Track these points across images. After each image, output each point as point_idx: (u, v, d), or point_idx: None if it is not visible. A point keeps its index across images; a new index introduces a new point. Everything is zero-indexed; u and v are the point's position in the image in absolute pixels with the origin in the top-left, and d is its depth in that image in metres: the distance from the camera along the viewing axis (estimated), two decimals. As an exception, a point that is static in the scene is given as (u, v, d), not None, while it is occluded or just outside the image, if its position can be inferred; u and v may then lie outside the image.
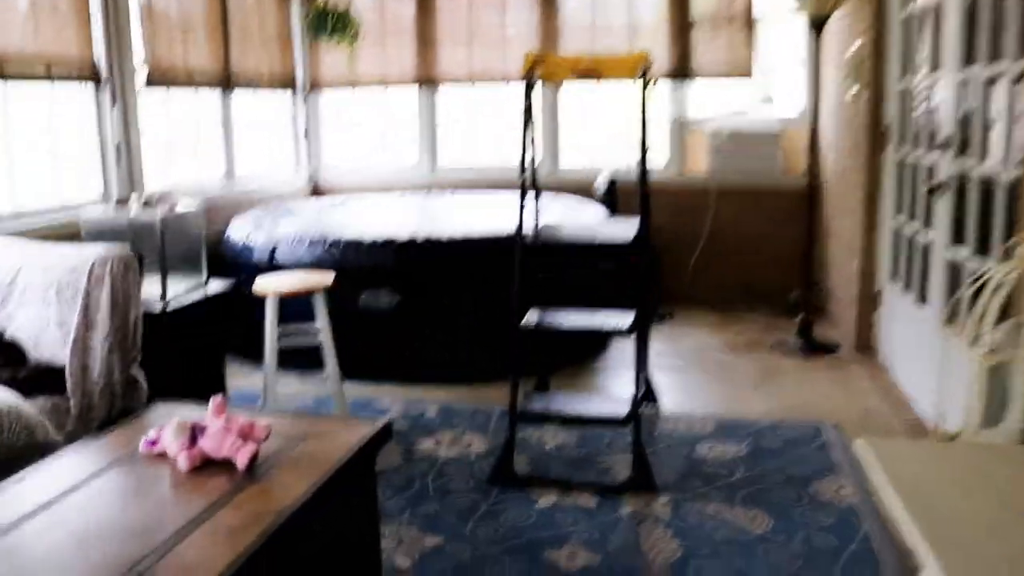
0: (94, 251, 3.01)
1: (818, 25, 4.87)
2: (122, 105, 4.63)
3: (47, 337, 2.97)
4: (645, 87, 3.41)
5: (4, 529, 1.86)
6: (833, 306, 5.55)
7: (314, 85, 6.70)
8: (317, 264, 4.44)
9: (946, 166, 3.64)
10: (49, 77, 4.18)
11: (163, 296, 3.63)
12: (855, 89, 4.82)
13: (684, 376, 4.59)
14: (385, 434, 2.39)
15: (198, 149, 5.58)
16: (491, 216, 5.22)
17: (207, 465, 2.15)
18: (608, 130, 6.46)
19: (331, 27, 6.24)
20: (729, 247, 6.09)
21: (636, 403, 3.30)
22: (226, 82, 5.60)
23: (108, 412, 2.97)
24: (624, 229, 3.63)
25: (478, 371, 4.42)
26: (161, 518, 1.92)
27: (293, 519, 1.93)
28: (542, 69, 3.59)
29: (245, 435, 2.17)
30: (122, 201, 3.73)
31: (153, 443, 2.23)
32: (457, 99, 6.66)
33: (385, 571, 2.66)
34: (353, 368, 4.43)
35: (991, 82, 3.26)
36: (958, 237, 3.54)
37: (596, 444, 3.63)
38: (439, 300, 4.48)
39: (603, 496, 3.17)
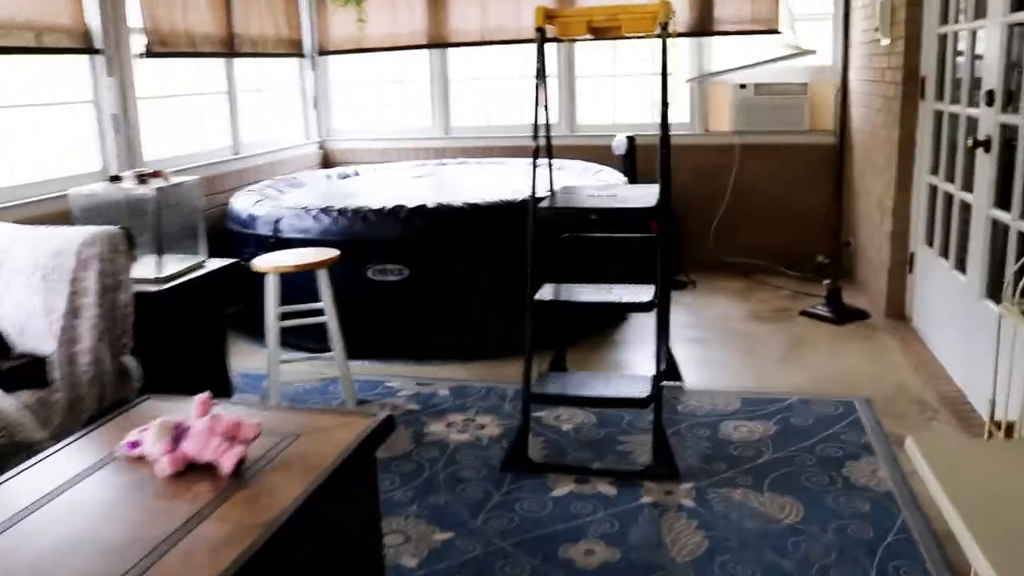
0: (81, 232, 2.84)
1: (848, -28, 4.58)
2: (119, 75, 4.44)
3: (32, 326, 2.81)
4: (665, 41, 3.17)
5: (-36, 549, 1.71)
6: (862, 270, 5.31)
7: (322, 49, 6.46)
8: (324, 236, 4.26)
9: (990, 121, 3.38)
10: (40, 48, 3.98)
11: (159, 274, 3.46)
12: (886, 39, 4.54)
13: (707, 349, 4.39)
14: (386, 428, 2.22)
15: (202, 120, 5.38)
16: (506, 181, 5.01)
17: (191, 469, 1.99)
18: (627, 87, 6.19)
19: (336, -14, 5.99)
20: (753, 208, 5.85)
21: (657, 382, 3.10)
22: (229, 47, 5.39)
23: (98, 404, 2.82)
24: (644, 195, 3.42)
25: (493, 346, 4.25)
26: (138, 532, 1.76)
27: (283, 530, 1.77)
28: (554, 24, 3.36)
29: (231, 436, 2.01)
30: (115, 177, 3.55)
31: (135, 445, 2.07)
32: (470, 60, 6.41)
33: (389, 571, 2.51)
34: (362, 345, 4.28)
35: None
36: (1003, 200, 3.29)
37: (616, 424, 3.45)
38: (451, 271, 4.29)
39: (622, 483, 2.99)
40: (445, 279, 4.29)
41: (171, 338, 3.52)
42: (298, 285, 3.72)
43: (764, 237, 5.85)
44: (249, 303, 4.42)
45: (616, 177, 5.12)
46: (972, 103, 3.65)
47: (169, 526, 1.76)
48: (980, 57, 3.60)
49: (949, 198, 3.94)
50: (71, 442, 2.25)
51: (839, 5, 5.47)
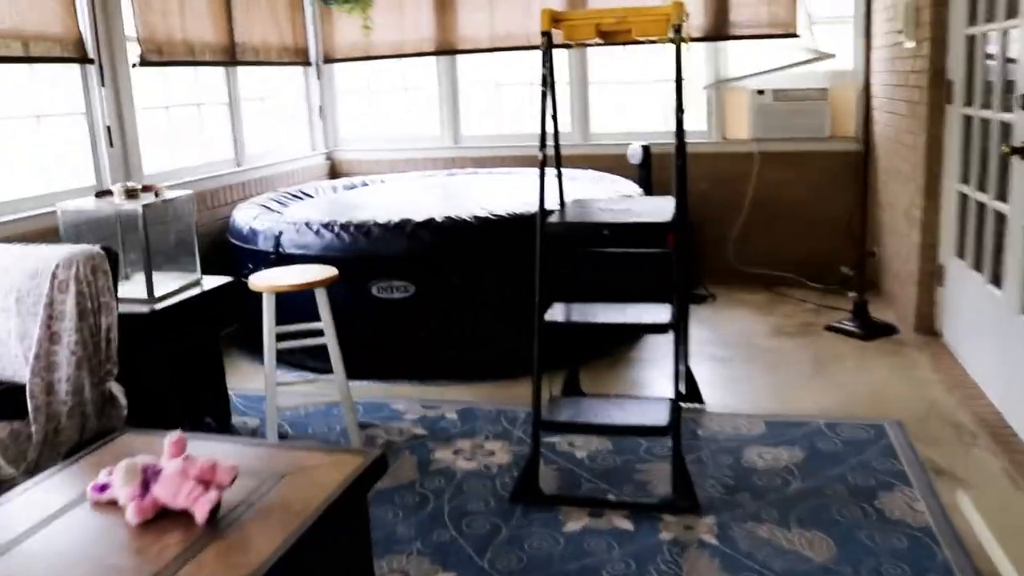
0: (58, 252, 2.68)
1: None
2: (113, 85, 4.29)
3: (6, 352, 2.65)
4: (679, 45, 2.98)
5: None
6: (888, 282, 5.09)
7: (327, 57, 6.31)
8: (326, 251, 4.09)
9: (1028, 127, 3.17)
10: (28, 57, 3.83)
11: (150, 295, 3.29)
12: (911, 41, 4.33)
13: (729, 367, 4.18)
14: (379, 468, 2.03)
15: (203, 131, 5.23)
16: (517, 193, 4.82)
17: (163, 516, 1.81)
18: (642, 94, 6.00)
19: (341, -8, 5.84)
20: (773, 217, 5.64)
21: (676, 408, 2.90)
22: (231, 56, 5.24)
23: (79, 435, 2.65)
24: (659, 208, 3.22)
25: (503, 365, 4.05)
26: (99, 591, 1.59)
27: (260, 588, 1.59)
28: (561, 28, 3.18)
29: (206, 480, 1.82)
30: (104, 192, 3.40)
31: (103, 488, 1.90)
32: (480, 67, 6.24)
33: (387, 619, 2.33)
34: (367, 365, 4.11)
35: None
36: (1044, 209, 3.08)
37: (633, 451, 3.25)
38: (459, 288, 4.10)
39: (639, 517, 2.79)
40: (453, 296, 4.10)
41: (163, 361, 3.35)
42: (299, 303, 3.54)
43: (785, 247, 5.64)
44: (250, 321, 4.24)
45: (631, 188, 4.93)
46: (1005, 108, 3.43)
47: (133, 585, 1.59)
48: (1013, 60, 3.39)
49: (981, 208, 3.72)
50: (40, 481, 2.08)
51: (860, 7, 5.27)
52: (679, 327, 2.95)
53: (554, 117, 3.34)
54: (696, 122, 5.73)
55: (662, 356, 4.28)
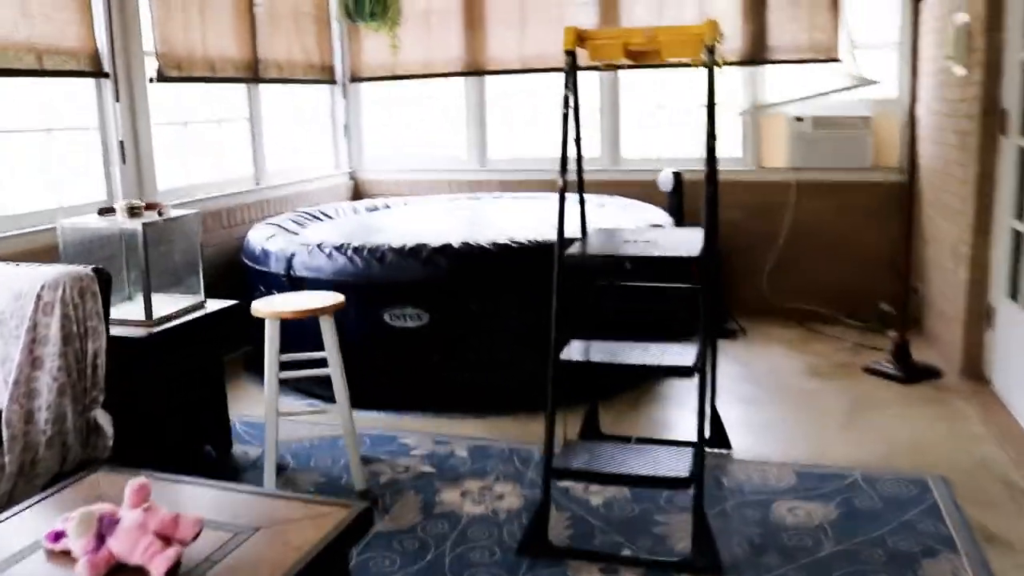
0: (44, 273, 2.53)
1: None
2: (128, 100, 4.18)
3: (-15, 378, 2.50)
4: (713, 67, 2.78)
5: None
6: (932, 321, 4.81)
7: (354, 76, 6.19)
8: (338, 275, 3.92)
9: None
10: (41, 71, 3.72)
11: (148, 317, 3.14)
12: (962, 68, 4.09)
13: (758, 409, 3.94)
14: (363, 524, 1.84)
15: (222, 148, 5.11)
16: (541, 219, 4.63)
17: (118, 571, 1.63)
18: (675, 118, 5.80)
19: (369, 10, 5.71)
20: (810, 249, 5.39)
21: (699, 457, 2.68)
22: (254, 72, 5.13)
23: (60, 466, 2.49)
24: (686, 241, 3.01)
25: (519, 400, 3.83)
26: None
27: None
28: (587, 47, 3.00)
29: (167, 534, 1.64)
30: (106, 209, 3.26)
31: (58, 536, 1.72)
32: (508, 89, 6.08)
33: None
34: (377, 395, 3.94)
35: None
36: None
37: (653, 499, 3.02)
38: (475, 318, 3.92)
39: (656, 576, 2.57)
40: (468, 326, 3.91)
41: (161, 387, 3.20)
42: (310, 328, 3.33)
43: (822, 281, 5.38)
44: (261, 344, 4.09)
45: (660, 217, 4.72)
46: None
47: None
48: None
49: (1038, 247, 3.47)
50: (1, 521, 1.92)
51: (906, 32, 5.03)
52: (704, 370, 2.72)
53: (577, 141, 3.16)
54: (731, 149, 5.52)
55: (688, 394, 4.04)
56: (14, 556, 1.74)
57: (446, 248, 3.89)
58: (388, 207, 5.62)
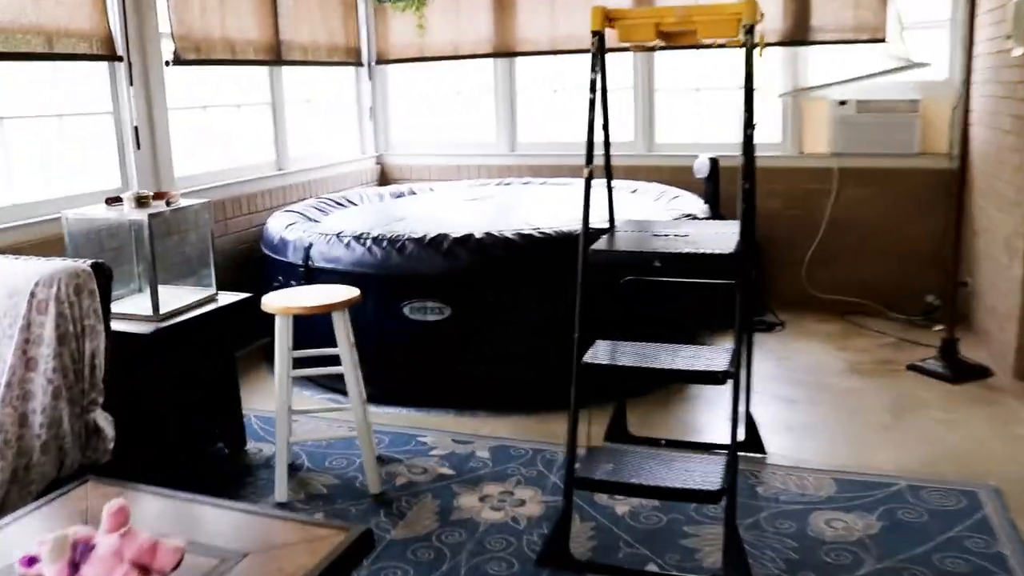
0: (39, 269, 2.41)
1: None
2: (144, 84, 4.06)
3: (-22, 380, 2.39)
4: (751, 49, 2.59)
5: None
6: (981, 317, 4.57)
7: (380, 58, 6.03)
8: (356, 266, 3.78)
9: None
10: (51, 54, 3.60)
11: (155, 312, 3.02)
12: (1021, 47, 3.83)
13: (795, 410, 3.74)
14: (362, 547, 1.69)
15: (242, 133, 4.98)
16: (570, 206, 4.45)
17: (93, 604, 1.50)
18: (712, 102, 5.57)
19: (395, -10, 5.55)
20: (852, 239, 5.16)
21: (732, 469, 2.50)
22: (276, 55, 4.98)
23: (57, 471, 2.38)
24: (721, 236, 2.82)
25: (543, 397, 3.67)
26: None
27: None
28: (616, 28, 2.81)
29: (144, 563, 1.51)
30: (113, 199, 3.14)
31: (31, 561, 1.60)
32: (539, 71, 5.89)
33: None
34: (397, 391, 3.82)
35: None
36: None
37: (682, 509, 2.85)
38: (499, 311, 3.76)
39: (684, 595, 2.40)
40: (492, 320, 3.75)
41: (168, 384, 3.08)
42: (325, 320, 3.19)
43: (864, 273, 5.15)
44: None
45: (696, 205, 4.51)
46: None
47: None
48: None
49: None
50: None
51: (959, 11, 4.77)
52: (738, 376, 2.54)
53: (605, 127, 2.98)
54: (770, 134, 5.29)
55: (721, 393, 3.84)
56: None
57: (468, 239, 3.73)
58: (414, 193, 5.47)
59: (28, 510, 1.88)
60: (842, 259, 5.19)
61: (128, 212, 3.04)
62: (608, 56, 2.89)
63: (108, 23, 3.87)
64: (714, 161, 4.89)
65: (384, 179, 6.19)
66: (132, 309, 3.08)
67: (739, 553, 2.46)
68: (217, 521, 1.78)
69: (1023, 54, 3.84)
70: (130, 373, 2.88)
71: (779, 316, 5.00)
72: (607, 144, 3.05)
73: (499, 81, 5.90)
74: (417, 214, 4.57)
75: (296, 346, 3.21)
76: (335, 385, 3.91)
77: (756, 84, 2.62)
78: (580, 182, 5.21)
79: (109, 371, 2.57)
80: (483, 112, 6.01)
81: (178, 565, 1.52)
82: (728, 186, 4.90)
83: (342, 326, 2.98)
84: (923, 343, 4.48)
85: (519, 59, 5.83)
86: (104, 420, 2.49)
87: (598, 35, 2.73)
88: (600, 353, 2.71)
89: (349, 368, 3.00)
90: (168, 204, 3.13)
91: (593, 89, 2.72)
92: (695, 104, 5.58)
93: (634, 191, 5.06)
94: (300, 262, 3.94)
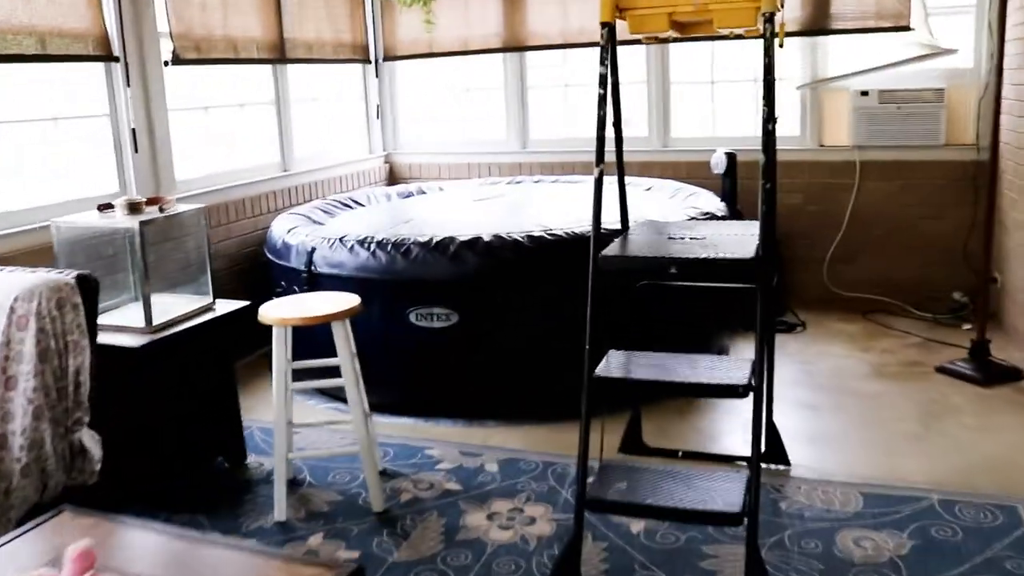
0: (18, 282, 2.29)
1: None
2: (142, 84, 3.94)
3: (-46, 400, 2.27)
4: (771, 39, 2.43)
5: None
6: (1012, 315, 4.38)
7: (387, 54, 5.89)
8: (360, 272, 3.65)
9: None
10: (44, 55, 3.49)
11: (148, 323, 2.90)
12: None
13: (819, 417, 3.58)
14: (352, 589, 1.56)
15: (245, 134, 4.86)
16: (584, 204, 4.30)
17: (55, 657, 1.38)
18: (729, 95, 5.39)
19: (401, -15, 5.41)
20: (875, 235, 4.99)
21: (754, 489, 2.35)
22: (280, 53, 4.86)
23: (39, 495, 2.26)
24: (741, 238, 2.67)
25: (555, 407, 3.54)
26: None
27: None
28: (627, 18, 2.66)
29: (110, 614, 1.39)
30: (105, 205, 3.02)
31: (-7, 609, 1.48)
32: (550, 66, 5.73)
33: None
34: (403, 400, 3.69)
35: None
36: None
37: (699, 527, 2.70)
38: (508, 318, 3.61)
39: (704, 624, 2.26)
40: (500, 326, 3.61)
41: (162, 398, 2.96)
42: (327, 328, 3.05)
43: (887, 269, 4.97)
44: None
45: (713, 203, 4.35)
46: None
47: None
48: None
49: None
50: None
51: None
52: (760, 388, 2.39)
53: (616, 124, 2.83)
54: (789, 127, 5.10)
55: (740, 401, 3.70)
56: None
57: (476, 242, 3.59)
58: (423, 193, 5.34)
59: (9, 540, 1.76)
60: (864, 256, 5.02)
61: (120, 219, 2.91)
62: (620, 49, 2.74)
63: (103, 23, 3.75)
64: (731, 156, 4.73)
65: (393, 178, 6.07)
66: (125, 320, 2.96)
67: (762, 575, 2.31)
68: (191, 559, 1.65)
69: (1057, 41, 3.65)
70: (122, 387, 2.76)
71: (799, 316, 4.83)
72: (619, 141, 2.90)
73: (509, 77, 5.76)
74: (424, 215, 4.44)
75: (298, 354, 3.09)
76: (340, 394, 3.77)
77: (777, 74, 2.46)
78: (592, 179, 5.08)
79: (98, 386, 2.45)
80: (493, 109, 5.86)
81: (147, 615, 1.39)
82: (746, 182, 4.74)
83: (343, 336, 2.85)
84: (951, 343, 4.30)
85: (529, 54, 5.69)
86: (90, 440, 2.37)
87: (608, 26, 2.58)
88: (613, 365, 2.56)
89: (350, 381, 2.87)
90: (162, 210, 3.00)
91: (603, 84, 2.57)
92: (710, 97, 5.41)
93: (648, 189, 4.91)
94: (303, 267, 3.82)
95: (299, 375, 3.25)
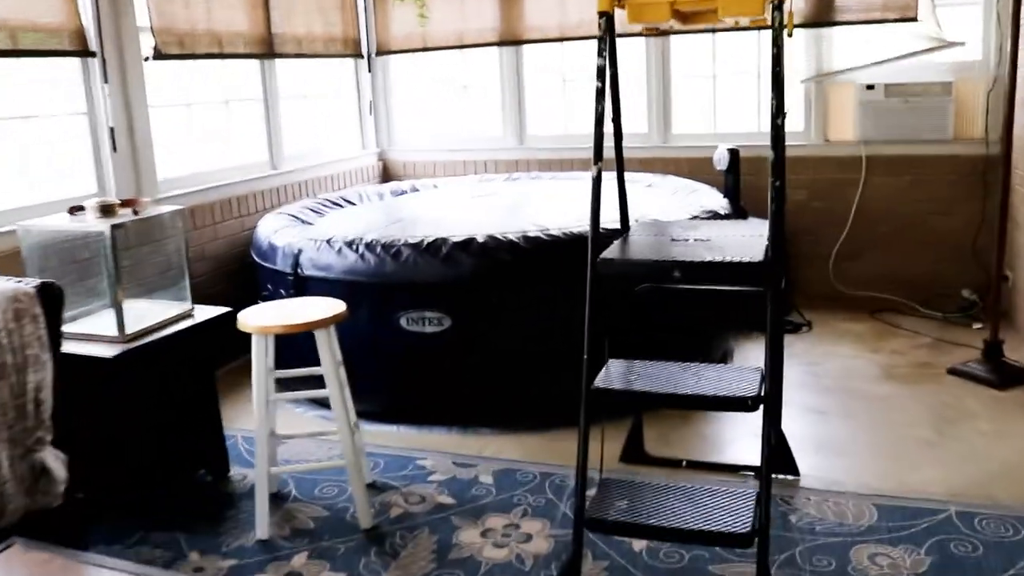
0: (-24, 293, 2.14)
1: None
2: (120, 81, 3.79)
3: (-95, 420, 2.13)
4: (780, 29, 2.28)
5: None
6: (1022, 314, 4.25)
7: (380, 49, 5.74)
8: (348, 274, 3.51)
9: None
10: (15, 51, 3.34)
11: (120, 332, 2.75)
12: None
13: (828, 423, 3.43)
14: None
15: (232, 131, 4.70)
16: (580, 202, 4.14)
17: None
18: (731, 89, 5.24)
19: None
20: (882, 232, 4.84)
21: (764, 506, 2.21)
22: (268, 48, 4.70)
23: (-1, 520, 2.11)
24: (747, 240, 2.52)
25: (552, 414, 3.39)
26: None
27: None
28: (626, 7, 2.51)
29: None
30: (76, 208, 2.87)
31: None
32: (548, 60, 5.58)
33: None
34: (394, 408, 3.55)
35: None
36: None
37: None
38: (503, 321, 3.47)
39: (711, 653, 2.11)
40: (495, 330, 3.46)
41: (137, 411, 2.81)
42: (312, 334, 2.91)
43: (895, 267, 4.83)
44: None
45: (716, 200, 4.20)
46: None
47: None
48: None
49: None
50: None
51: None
52: (769, 400, 2.24)
53: (615, 120, 2.69)
54: (793, 121, 4.96)
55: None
56: None
57: (469, 243, 3.44)
58: (416, 190, 5.19)
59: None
60: (871, 253, 4.87)
61: (91, 222, 2.76)
62: (619, 41, 2.60)
63: (79, 17, 3.60)
64: (734, 152, 4.58)
65: (387, 176, 5.92)
66: (98, 329, 2.81)
67: (773, 601, 2.16)
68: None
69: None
70: (94, 399, 2.62)
71: (805, 315, 4.68)
72: (618, 137, 2.75)
73: (506, 71, 5.61)
74: (417, 214, 4.29)
75: (284, 359, 2.95)
76: (328, 402, 3.64)
77: (784, 68, 2.31)
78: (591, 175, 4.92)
79: (68, 399, 2.31)
80: (489, 104, 5.71)
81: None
82: (749, 178, 4.60)
83: (326, 345, 2.70)
84: (962, 343, 4.16)
85: (527, 48, 5.54)
86: (53, 460, 2.22)
87: (606, 16, 2.43)
88: (613, 376, 2.42)
89: (335, 392, 2.72)
90: (136, 212, 2.85)
91: (601, 76, 2.42)
92: (711, 92, 5.26)
93: (649, 185, 4.76)
94: (289, 270, 3.67)
95: (285, 383, 3.12)
